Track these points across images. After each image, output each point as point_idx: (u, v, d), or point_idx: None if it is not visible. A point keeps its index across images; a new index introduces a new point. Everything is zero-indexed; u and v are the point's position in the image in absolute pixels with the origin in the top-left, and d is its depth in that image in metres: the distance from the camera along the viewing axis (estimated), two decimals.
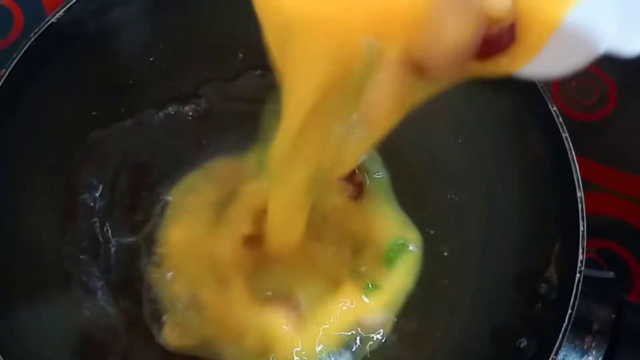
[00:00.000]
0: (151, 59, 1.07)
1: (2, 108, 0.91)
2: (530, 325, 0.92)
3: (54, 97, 0.98)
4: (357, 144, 0.74)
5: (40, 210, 0.99)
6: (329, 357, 0.97)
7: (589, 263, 0.88)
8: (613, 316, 0.90)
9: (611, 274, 1.00)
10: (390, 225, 1.06)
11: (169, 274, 1.00)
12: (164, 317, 1.00)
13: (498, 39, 0.65)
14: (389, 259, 1.03)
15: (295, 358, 0.97)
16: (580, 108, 1.26)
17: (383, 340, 1.02)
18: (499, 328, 0.96)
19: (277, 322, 0.96)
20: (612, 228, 1.18)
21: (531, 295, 0.94)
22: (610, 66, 1.29)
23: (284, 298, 0.98)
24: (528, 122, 0.98)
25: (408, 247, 1.05)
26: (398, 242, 1.04)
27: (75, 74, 1.00)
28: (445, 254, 1.06)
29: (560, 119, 0.94)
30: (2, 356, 0.81)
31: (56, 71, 0.97)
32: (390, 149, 1.07)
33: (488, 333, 0.97)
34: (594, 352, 0.88)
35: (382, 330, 1.02)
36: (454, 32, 0.63)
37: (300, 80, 0.68)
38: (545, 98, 0.95)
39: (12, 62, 0.91)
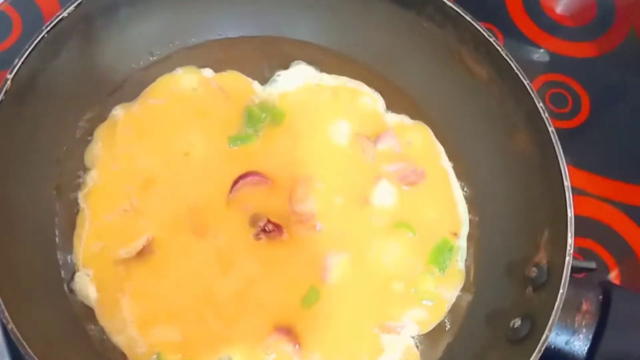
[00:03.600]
0: None
1: (16, 95, 0.93)
2: (522, 307, 0.96)
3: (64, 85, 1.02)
4: None
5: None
6: None
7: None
8: (601, 297, 0.94)
9: (593, 264, 1.04)
10: None
11: None
12: None
13: None
14: None
15: None
16: (555, 116, 1.32)
17: None
18: (493, 310, 1.00)
19: None
20: (590, 228, 1.23)
21: (522, 280, 0.98)
22: (583, 77, 1.37)
23: None
24: (516, 117, 1.04)
25: None
26: None
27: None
28: None
29: (547, 114, 0.99)
30: None
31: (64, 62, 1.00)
32: None
33: (483, 315, 1.01)
34: (584, 330, 0.93)
35: None
36: None
37: None
38: (532, 95, 1.01)
39: (23, 54, 0.94)
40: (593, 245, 1.23)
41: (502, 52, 1.02)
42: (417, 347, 1.01)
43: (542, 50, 1.41)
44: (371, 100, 1.14)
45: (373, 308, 1.01)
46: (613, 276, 1.21)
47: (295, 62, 1.15)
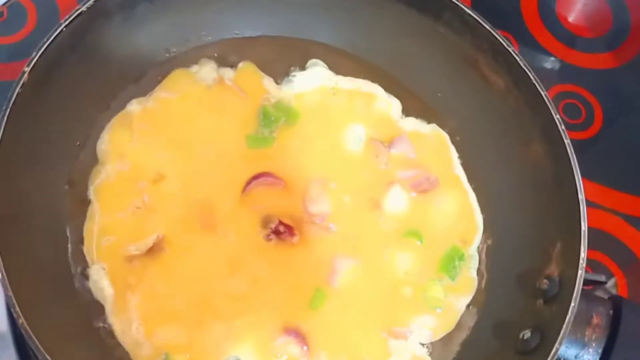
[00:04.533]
0: None
1: (32, 88, 0.92)
2: (532, 318, 0.96)
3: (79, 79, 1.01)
4: None
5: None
6: None
7: None
8: (611, 311, 0.94)
9: (603, 277, 1.04)
10: None
11: None
12: None
13: None
14: None
15: None
16: (568, 127, 1.31)
17: None
18: (502, 321, 1.00)
19: None
20: (599, 241, 1.23)
21: (533, 291, 0.98)
22: (597, 88, 1.37)
23: None
24: (532, 129, 1.04)
25: None
26: None
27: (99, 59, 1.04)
28: None
29: (563, 127, 0.99)
30: None
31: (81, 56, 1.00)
32: None
33: (492, 325, 1.01)
34: (593, 345, 0.92)
35: None
36: None
37: None
38: (549, 107, 1.00)
39: (41, 47, 0.93)
40: (602, 258, 1.23)
41: (520, 63, 1.02)
42: (428, 354, 1.01)
43: (556, 60, 1.41)
44: (386, 104, 1.13)
45: (381, 313, 1.01)
46: (620, 290, 1.20)
47: (312, 61, 1.15)
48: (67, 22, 0.96)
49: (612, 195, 1.28)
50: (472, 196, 1.10)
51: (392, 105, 1.14)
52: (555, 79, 1.38)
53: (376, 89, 1.15)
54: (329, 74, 1.14)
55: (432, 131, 1.14)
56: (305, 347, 0.96)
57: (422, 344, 1.01)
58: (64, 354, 0.85)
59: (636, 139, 1.34)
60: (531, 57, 1.39)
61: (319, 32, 1.17)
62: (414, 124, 1.14)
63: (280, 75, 1.14)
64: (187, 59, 1.13)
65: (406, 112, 1.15)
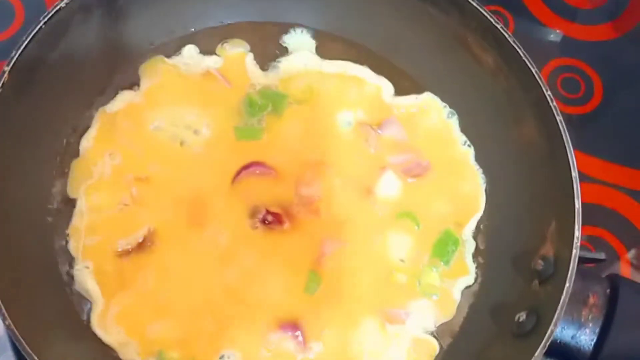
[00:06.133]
0: None
1: (14, 87, 0.92)
2: (528, 300, 0.94)
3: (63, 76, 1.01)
4: None
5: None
6: None
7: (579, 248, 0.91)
8: (608, 290, 0.92)
9: (602, 255, 1.02)
10: None
11: None
12: None
13: None
14: None
15: None
16: (567, 102, 1.30)
17: None
18: (498, 303, 0.99)
19: None
20: (600, 216, 1.21)
21: (528, 272, 0.96)
22: (596, 61, 1.34)
23: None
24: (524, 107, 1.02)
25: None
26: None
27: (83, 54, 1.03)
28: None
29: (555, 103, 0.97)
30: None
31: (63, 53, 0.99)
32: None
33: (488, 308, 0.99)
34: (590, 325, 0.91)
35: None
36: None
37: None
38: (540, 83, 0.98)
39: (20, 45, 0.93)
40: (604, 234, 1.21)
41: (509, 40, 1.00)
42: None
43: (553, 34, 1.38)
44: (375, 86, 1.12)
45: (377, 298, 1.00)
46: (623, 265, 1.18)
47: (297, 49, 1.13)
48: (46, 19, 0.95)
49: (614, 170, 1.25)
50: (469, 178, 1.08)
51: (382, 86, 1.12)
52: (552, 53, 1.35)
53: (364, 71, 1.13)
54: (315, 57, 1.13)
55: (426, 97, 1.12)
56: (300, 338, 0.96)
57: (419, 329, 1.00)
58: (53, 352, 0.85)
59: (637, 112, 1.31)
60: (527, 32, 1.36)
61: (304, 15, 1.15)
62: (406, 100, 1.12)
63: (265, 61, 1.12)
64: (171, 49, 1.12)
65: (398, 92, 1.13)
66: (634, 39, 1.38)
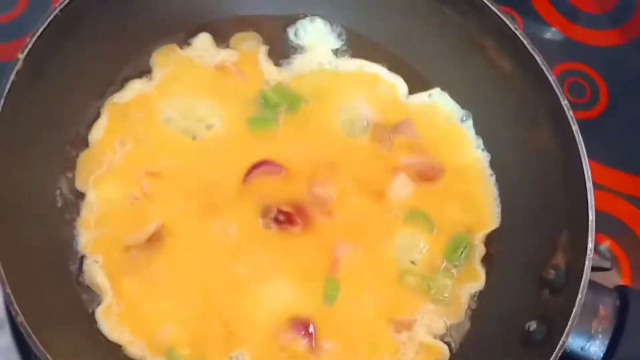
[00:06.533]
0: None
1: (27, 75, 0.90)
2: (538, 309, 0.95)
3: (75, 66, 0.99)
4: None
5: None
6: None
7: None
8: (618, 302, 0.93)
9: (608, 264, 1.03)
10: None
11: None
12: None
13: None
14: None
15: None
16: (573, 107, 1.29)
17: None
18: (507, 311, 0.99)
19: None
20: (602, 223, 1.21)
21: (539, 281, 0.97)
22: (602, 66, 1.34)
23: None
24: (539, 114, 1.01)
25: None
26: None
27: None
28: None
29: (571, 112, 0.97)
30: None
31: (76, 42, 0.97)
32: None
33: (497, 316, 0.99)
34: (600, 337, 0.91)
35: None
36: None
37: None
38: (557, 92, 0.98)
39: (37, 31, 0.91)
40: (605, 240, 1.21)
41: (528, 46, 0.99)
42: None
43: (561, 37, 1.38)
44: (390, 85, 1.11)
45: (386, 302, 0.99)
46: (624, 275, 1.19)
47: (312, 46, 1.12)
48: (62, 6, 0.93)
49: (617, 177, 1.26)
50: (482, 183, 1.08)
51: (397, 85, 1.11)
52: (559, 56, 1.35)
53: (380, 69, 1.12)
54: (330, 55, 1.12)
55: (437, 101, 1.11)
56: (312, 339, 0.95)
57: (428, 335, 0.99)
58: (63, 347, 0.84)
59: None
60: (535, 35, 1.36)
61: (319, 10, 1.14)
62: (420, 99, 1.11)
63: (279, 57, 1.11)
64: (184, 39, 1.10)
65: (412, 93, 1.12)
66: (637, 47, 1.38)
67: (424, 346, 0.98)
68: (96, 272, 0.95)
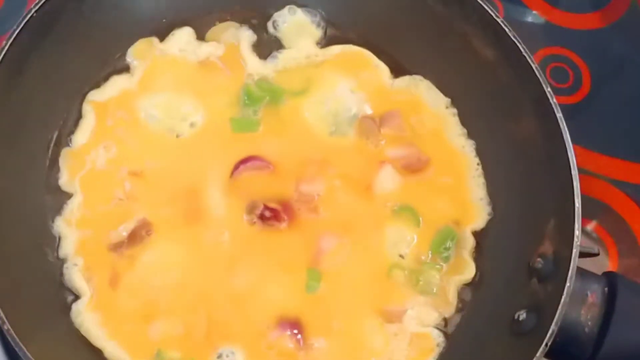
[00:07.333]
0: None
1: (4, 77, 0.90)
2: (527, 298, 0.95)
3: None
4: None
5: None
6: None
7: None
8: (606, 289, 0.93)
9: (595, 249, 1.03)
10: None
11: None
12: None
13: None
14: None
15: None
16: (555, 92, 1.29)
17: None
18: (496, 301, 0.99)
19: None
20: (588, 208, 1.21)
21: (527, 270, 0.96)
22: (584, 50, 1.34)
23: None
24: (523, 103, 1.01)
25: None
26: None
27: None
28: None
29: (555, 100, 0.97)
30: None
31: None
32: None
33: (486, 306, 0.99)
34: (589, 324, 0.91)
35: None
36: None
37: None
38: (540, 79, 0.97)
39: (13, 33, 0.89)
40: (590, 224, 1.22)
41: (510, 34, 0.99)
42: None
43: (542, 21, 1.37)
44: (375, 67, 1.10)
45: (376, 295, 0.99)
46: (611, 258, 1.19)
47: (294, 36, 1.11)
48: (37, 7, 0.92)
49: (601, 161, 1.26)
50: (468, 174, 1.07)
51: (381, 68, 1.11)
52: (541, 42, 1.35)
53: (366, 53, 1.11)
54: (314, 47, 1.11)
55: (421, 90, 1.11)
56: (300, 336, 0.95)
57: (418, 327, 0.99)
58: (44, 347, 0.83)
59: (626, 102, 1.31)
60: (516, 20, 1.36)
61: (301, 0, 1.13)
62: (405, 83, 1.11)
63: (263, 50, 1.10)
64: (164, 33, 1.09)
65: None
66: (620, 29, 1.38)
67: (415, 337, 0.98)
68: (75, 276, 0.94)
